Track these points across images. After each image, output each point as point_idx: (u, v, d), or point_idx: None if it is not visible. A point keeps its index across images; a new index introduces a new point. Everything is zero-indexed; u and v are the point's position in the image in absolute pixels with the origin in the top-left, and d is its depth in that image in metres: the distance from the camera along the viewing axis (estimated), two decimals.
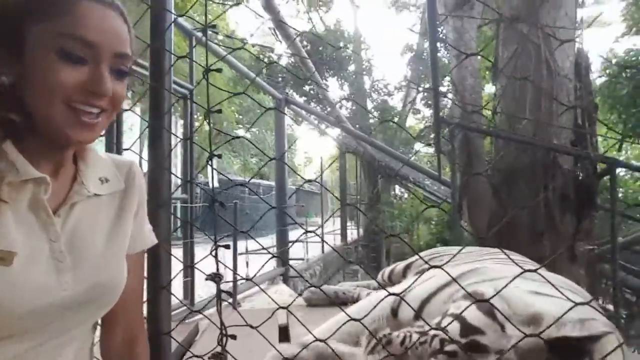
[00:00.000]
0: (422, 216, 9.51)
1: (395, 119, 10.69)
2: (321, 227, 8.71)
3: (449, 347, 0.78)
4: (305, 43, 9.23)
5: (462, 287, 0.74)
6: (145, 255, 0.89)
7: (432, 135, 4.78)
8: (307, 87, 10.41)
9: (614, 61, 6.08)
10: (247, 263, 5.15)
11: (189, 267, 4.00)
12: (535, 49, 3.48)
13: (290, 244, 6.31)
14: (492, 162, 3.75)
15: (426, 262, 0.79)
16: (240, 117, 21.08)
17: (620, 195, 6.98)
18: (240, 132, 22.73)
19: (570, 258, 3.46)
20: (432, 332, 0.83)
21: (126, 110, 1.23)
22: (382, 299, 1.14)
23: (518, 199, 3.54)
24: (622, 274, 4.02)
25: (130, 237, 0.81)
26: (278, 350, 0.91)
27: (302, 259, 7.13)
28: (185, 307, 3.91)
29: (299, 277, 6.19)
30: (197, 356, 0.83)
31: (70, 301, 0.66)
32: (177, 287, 3.88)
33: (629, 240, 3.79)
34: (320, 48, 9.71)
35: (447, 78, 7.27)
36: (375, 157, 9.03)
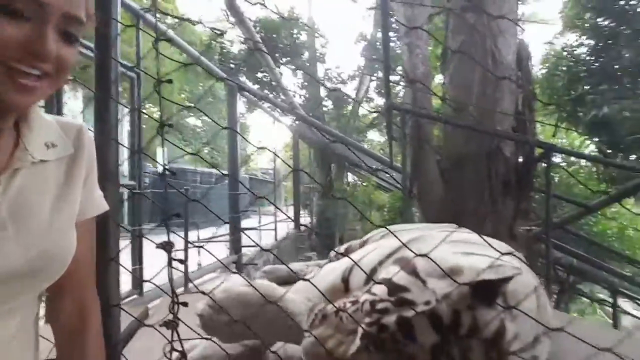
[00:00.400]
0: (375, 203, 9.72)
1: (349, 108, 10.80)
2: (274, 215, 8.70)
3: (380, 305, 0.82)
4: (258, 29, 9.08)
5: (410, 249, 0.77)
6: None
7: (385, 123, 4.88)
8: (260, 75, 10.27)
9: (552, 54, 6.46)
10: (198, 251, 5.05)
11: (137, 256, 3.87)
12: (482, 40, 3.64)
13: (242, 231, 6.25)
14: (441, 148, 3.89)
15: (392, 233, 0.82)
16: (191, 104, 20.42)
17: (556, 180, 7.49)
18: (191, 120, 22.08)
19: (510, 237, 3.69)
20: (363, 297, 0.87)
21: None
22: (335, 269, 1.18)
23: (465, 184, 3.71)
24: (556, 253, 4.34)
25: (79, 203, 0.77)
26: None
27: (255, 246, 7.08)
28: (136, 296, 3.79)
29: (253, 264, 6.16)
30: (149, 325, 0.82)
31: (12, 271, 0.62)
32: (126, 280, 3.75)
33: (561, 220, 4.08)
34: (274, 35, 9.59)
35: (400, 68, 7.43)
36: (327, 144, 9.09)
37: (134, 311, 1.37)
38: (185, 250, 4.55)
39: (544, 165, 3.58)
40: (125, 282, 3.69)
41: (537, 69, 6.78)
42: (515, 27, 3.80)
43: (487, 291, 0.77)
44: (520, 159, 3.69)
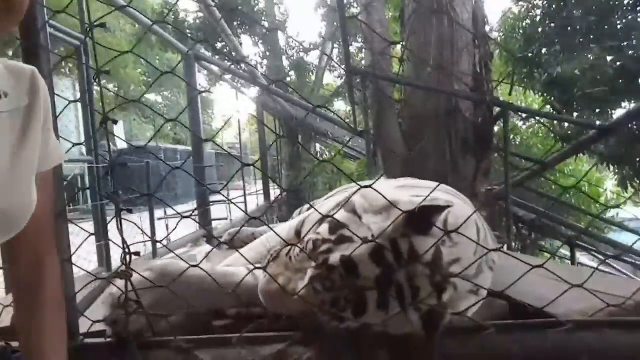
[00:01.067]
0: (343, 171, 9.79)
1: (312, 77, 10.68)
2: (243, 189, 8.64)
3: (323, 247, 0.85)
4: None
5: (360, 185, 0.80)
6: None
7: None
8: (219, 45, 9.95)
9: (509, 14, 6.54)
10: (167, 226, 5.01)
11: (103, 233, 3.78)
12: (438, 0, 3.65)
13: (211, 204, 6.21)
14: (402, 110, 3.93)
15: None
16: (148, 79, 19.67)
17: (517, 142, 7.77)
18: (151, 96, 21.32)
19: (472, 196, 3.82)
20: (307, 237, 0.90)
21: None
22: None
23: (426, 144, 3.79)
24: (517, 210, 4.53)
25: (39, 153, 0.73)
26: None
27: (226, 219, 7.06)
28: (103, 273, 3.72)
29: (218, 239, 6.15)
30: (102, 278, 0.81)
31: None
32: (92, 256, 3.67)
33: (521, 178, 4.24)
34: (231, 4, 9.26)
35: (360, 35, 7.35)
36: (293, 115, 9.01)
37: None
38: (152, 224, 4.49)
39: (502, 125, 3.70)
40: (92, 261, 3.62)
41: (496, 34, 6.88)
42: None
43: (422, 220, 0.80)
44: (479, 119, 3.79)
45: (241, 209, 1.39)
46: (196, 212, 5.92)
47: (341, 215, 0.90)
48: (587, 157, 6.93)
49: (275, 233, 1.00)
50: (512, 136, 6.55)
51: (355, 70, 3.70)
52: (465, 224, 0.82)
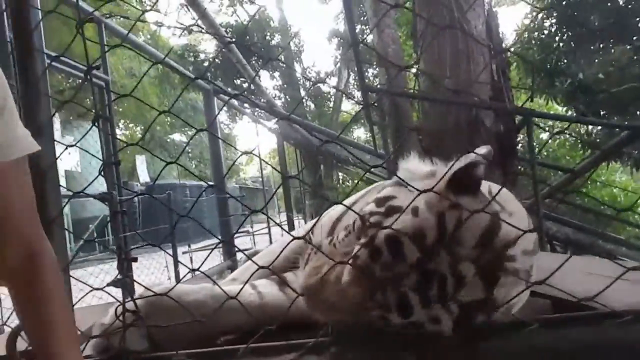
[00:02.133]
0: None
1: (330, 105, 10.77)
2: (267, 221, 8.61)
3: (373, 219, 0.76)
4: (230, 35, 9.02)
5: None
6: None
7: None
8: (238, 81, 10.22)
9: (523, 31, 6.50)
10: (190, 258, 4.99)
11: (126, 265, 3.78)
12: (449, 13, 3.62)
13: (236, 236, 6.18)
14: (421, 126, 3.86)
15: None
16: (173, 120, 20.30)
17: (542, 156, 7.52)
18: (176, 136, 21.92)
19: None
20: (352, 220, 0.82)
21: None
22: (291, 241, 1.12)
23: (447, 158, 3.68)
24: (550, 226, 4.29)
25: None
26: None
27: (251, 249, 6.99)
28: None
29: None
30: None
31: None
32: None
33: (550, 189, 4.05)
34: (247, 38, 9.54)
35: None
36: (313, 143, 9.04)
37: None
38: (175, 258, 4.47)
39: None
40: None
41: (512, 48, 6.83)
42: None
43: (464, 181, 0.73)
44: (501, 128, 3.67)
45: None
46: (220, 245, 5.90)
47: (386, 190, 0.83)
48: (620, 165, 6.64)
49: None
50: (537, 150, 6.36)
51: (370, 88, 3.68)
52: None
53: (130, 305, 0.76)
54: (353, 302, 0.72)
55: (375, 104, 3.75)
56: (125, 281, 0.70)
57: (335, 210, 1.23)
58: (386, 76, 3.69)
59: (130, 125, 19.65)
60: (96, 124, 0.81)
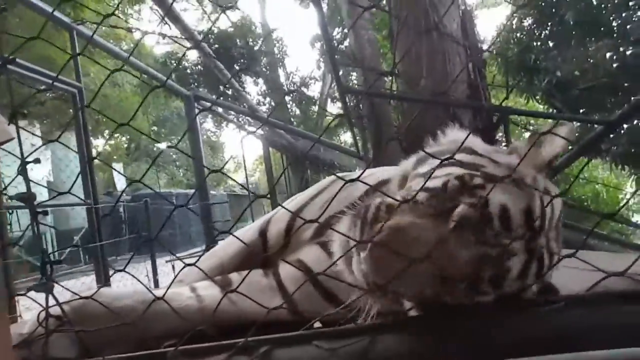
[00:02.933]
0: None
1: (314, 109, 10.76)
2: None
3: (475, 181, 0.69)
4: (212, 42, 8.98)
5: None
6: None
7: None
8: (221, 88, 10.15)
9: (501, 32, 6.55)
10: (172, 267, 4.91)
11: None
12: (424, 13, 3.63)
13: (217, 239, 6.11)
14: (400, 127, 3.85)
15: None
16: (161, 129, 20.17)
17: None
18: (162, 145, 21.74)
19: None
20: (442, 176, 0.72)
21: None
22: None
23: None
24: None
25: None
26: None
27: None
28: None
29: None
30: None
31: None
32: None
33: None
34: (230, 46, 9.51)
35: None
36: (298, 148, 9.02)
37: None
38: (154, 268, 4.39)
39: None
40: None
41: (491, 48, 6.90)
42: None
43: (552, 165, 0.77)
44: (480, 127, 3.68)
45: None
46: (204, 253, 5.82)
47: (467, 158, 0.77)
48: (601, 162, 6.72)
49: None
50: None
51: (347, 89, 3.66)
52: None
53: (56, 310, 0.71)
54: (464, 268, 0.63)
55: (355, 107, 3.73)
56: (48, 285, 0.66)
57: (293, 203, 1.20)
58: (363, 78, 3.68)
59: (116, 135, 19.50)
60: (14, 121, 0.76)
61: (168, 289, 0.82)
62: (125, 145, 19.54)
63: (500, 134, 3.78)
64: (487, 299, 0.66)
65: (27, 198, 0.65)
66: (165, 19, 4.13)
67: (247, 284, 0.86)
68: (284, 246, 1.05)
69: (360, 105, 3.74)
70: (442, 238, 0.63)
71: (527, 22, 6.51)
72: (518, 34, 6.48)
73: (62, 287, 0.76)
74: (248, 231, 1.13)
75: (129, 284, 5.00)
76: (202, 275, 1.00)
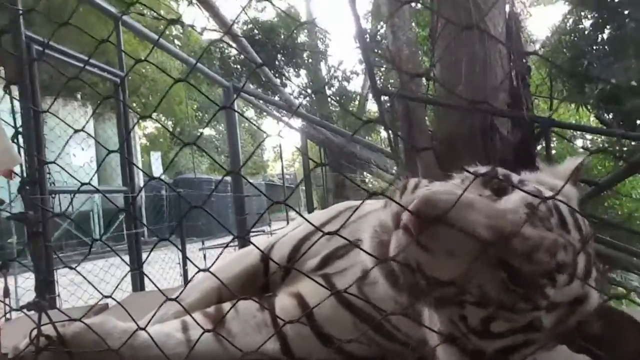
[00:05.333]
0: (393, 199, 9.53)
1: (355, 104, 10.67)
2: (286, 220, 8.64)
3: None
4: (256, 31, 9.08)
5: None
6: None
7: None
8: (263, 78, 10.26)
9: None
10: (204, 256, 5.05)
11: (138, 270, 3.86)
12: (466, 15, 3.48)
13: (251, 235, 6.22)
14: (434, 132, 3.75)
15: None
16: (204, 114, 20.71)
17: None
18: (205, 130, 22.33)
19: None
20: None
21: None
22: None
23: (461, 166, 3.55)
24: None
25: None
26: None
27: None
28: None
29: None
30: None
31: None
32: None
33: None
34: (274, 39, 9.57)
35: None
36: (335, 143, 9.00)
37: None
38: (184, 254, 4.53)
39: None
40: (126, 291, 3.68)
41: (541, 49, 6.57)
42: None
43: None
44: (519, 138, 3.51)
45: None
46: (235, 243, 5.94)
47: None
48: None
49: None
50: (567, 157, 6.06)
51: (381, 92, 3.60)
52: None
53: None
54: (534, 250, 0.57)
55: (389, 109, 3.67)
56: (41, 304, 0.69)
57: (300, 228, 1.19)
58: (399, 79, 3.60)
59: (163, 119, 20.22)
60: (7, 91, 0.79)
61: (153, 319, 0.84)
62: (171, 130, 20.22)
63: (540, 146, 3.60)
64: (544, 304, 0.59)
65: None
66: (204, 12, 4.21)
67: (242, 320, 0.86)
68: (285, 273, 1.04)
69: (394, 107, 3.66)
70: (507, 211, 0.58)
71: (584, 24, 6.12)
72: (572, 37, 6.11)
73: (63, 312, 0.79)
74: (250, 254, 1.13)
75: (157, 268, 5.20)
76: (200, 292, 1.01)
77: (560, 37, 5.93)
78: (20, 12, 1.82)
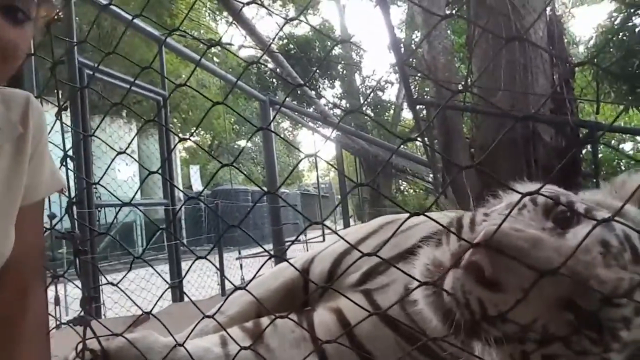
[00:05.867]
0: (424, 207, 9.39)
1: (390, 113, 10.60)
2: (322, 228, 8.64)
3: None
4: (291, 47, 9.23)
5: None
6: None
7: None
8: (299, 91, 10.39)
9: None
10: (240, 265, 5.11)
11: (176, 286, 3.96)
12: (505, 21, 3.39)
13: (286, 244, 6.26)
14: (472, 140, 3.65)
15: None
16: (241, 127, 21.20)
17: (621, 168, 6.78)
18: (242, 142, 22.83)
19: None
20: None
21: None
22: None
23: (502, 174, 3.43)
24: None
25: (24, 186, 0.69)
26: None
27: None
28: None
29: None
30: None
31: None
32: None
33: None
34: (309, 53, 9.70)
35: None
36: (371, 153, 8.95)
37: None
38: (221, 264, 4.60)
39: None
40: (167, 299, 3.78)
41: (585, 51, 6.30)
42: (544, 1, 3.51)
43: None
44: (563, 143, 3.36)
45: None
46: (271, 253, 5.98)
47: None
48: None
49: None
50: (615, 161, 5.72)
51: (417, 101, 3.55)
52: None
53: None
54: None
55: (425, 118, 3.61)
56: (86, 319, 0.72)
57: (339, 243, 1.17)
58: (434, 88, 3.54)
59: (202, 132, 20.86)
60: (58, 117, 0.83)
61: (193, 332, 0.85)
62: (209, 143, 20.81)
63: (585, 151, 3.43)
64: (616, 347, 0.56)
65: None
66: (241, 31, 4.34)
67: (280, 335, 0.86)
68: (325, 289, 1.03)
69: (430, 117, 3.60)
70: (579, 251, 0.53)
71: (633, 21, 5.82)
72: (620, 35, 5.82)
73: (109, 330, 0.82)
74: (290, 267, 1.12)
75: (195, 277, 5.30)
76: (240, 307, 1.02)
77: (607, 37, 5.66)
78: (75, 43, 1.93)
